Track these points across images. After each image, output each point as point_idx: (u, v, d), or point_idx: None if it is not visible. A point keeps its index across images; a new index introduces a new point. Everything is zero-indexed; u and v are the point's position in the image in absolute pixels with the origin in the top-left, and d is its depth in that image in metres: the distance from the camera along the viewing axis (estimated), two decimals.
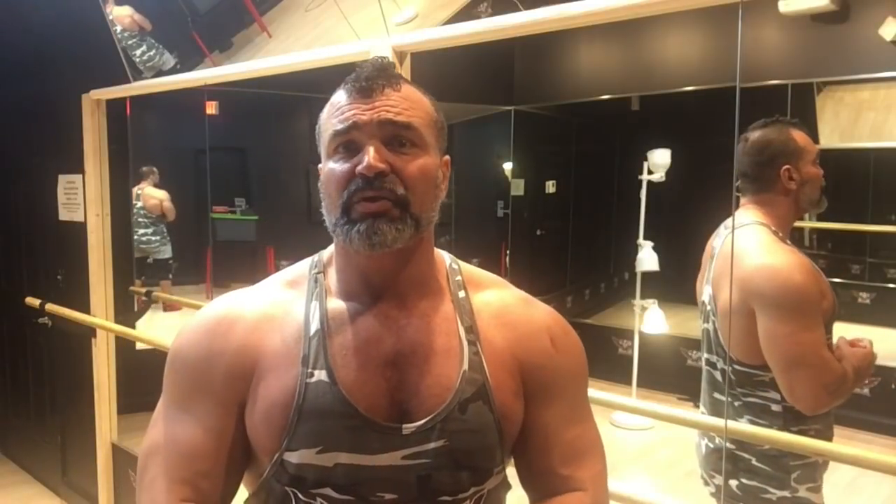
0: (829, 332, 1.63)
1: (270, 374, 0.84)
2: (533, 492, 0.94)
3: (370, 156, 0.81)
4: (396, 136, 0.83)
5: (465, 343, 0.87)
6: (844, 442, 1.49)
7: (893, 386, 4.10)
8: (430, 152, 0.86)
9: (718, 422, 1.63)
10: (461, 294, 0.92)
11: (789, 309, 1.54)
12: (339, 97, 0.87)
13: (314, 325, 0.86)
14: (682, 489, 1.79)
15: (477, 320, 0.90)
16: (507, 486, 0.95)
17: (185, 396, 0.87)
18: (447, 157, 0.91)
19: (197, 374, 0.87)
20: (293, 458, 0.82)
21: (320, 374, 0.83)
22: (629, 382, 4.45)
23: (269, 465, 0.84)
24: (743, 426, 1.60)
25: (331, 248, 0.94)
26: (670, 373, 4.86)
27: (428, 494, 0.83)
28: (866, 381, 1.73)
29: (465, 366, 0.86)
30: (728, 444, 1.70)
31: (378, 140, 0.82)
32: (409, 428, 0.82)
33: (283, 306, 0.89)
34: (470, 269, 0.97)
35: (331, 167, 0.85)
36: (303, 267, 0.94)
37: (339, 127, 0.84)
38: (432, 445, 0.83)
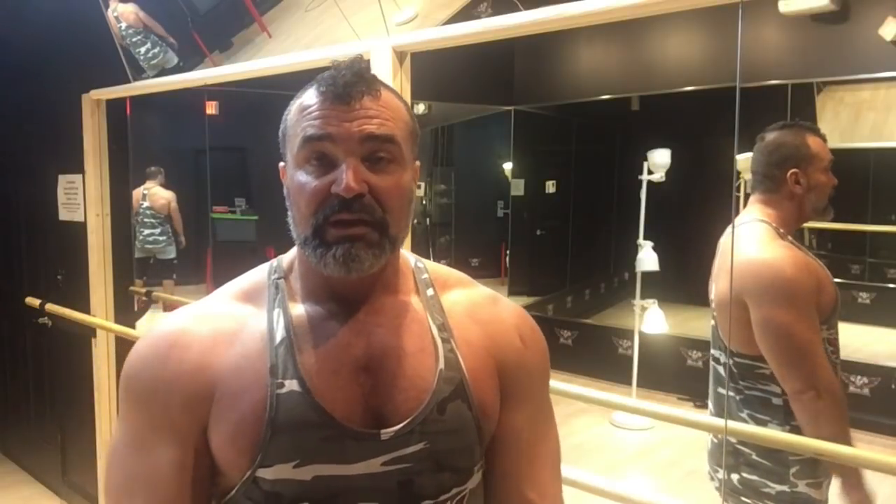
0: (830, 326, 1.65)
1: (235, 392, 0.80)
2: (492, 500, 0.91)
3: (349, 177, 0.76)
4: (375, 152, 0.79)
5: (438, 341, 0.85)
6: None
7: (893, 386, 4.10)
8: (407, 167, 0.83)
9: (718, 421, 1.64)
10: (430, 292, 0.89)
11: (780, 301, 1.56)
12: (312, 98, 0.81)
13: (280, 334, 0.82)
14: (682, 489, 1.79)
15: (449, 318, 0.88)
16: None
17: (144, 430, 0.82)
18: (418, 163, 0.88)
19: (152, 406, 0.81)
20: (268, 474, 0.78)
21: (291, 384, 0.79)
22: (629, 382, 4.44)
23: (239, 483, 0.80)
24: (742, 426, 1.61)
25: (291, 253, 0.89)
26: (670, 373, 4.86)
27: (410, 499, 0.80)
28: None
29: (441, 364, 0.83)
30: (730, 439, 1.72)
31: (356, 157, 0.78)
32: (387, 433, 0.79)
33: (239, 319, 0.84)
34: (436, 268, 0.94)
35: (302, 180, 0.80)
36: (260, 274, 0.89)
37: (312, 132, 0.79)
38: (412, 449, 0.80)
